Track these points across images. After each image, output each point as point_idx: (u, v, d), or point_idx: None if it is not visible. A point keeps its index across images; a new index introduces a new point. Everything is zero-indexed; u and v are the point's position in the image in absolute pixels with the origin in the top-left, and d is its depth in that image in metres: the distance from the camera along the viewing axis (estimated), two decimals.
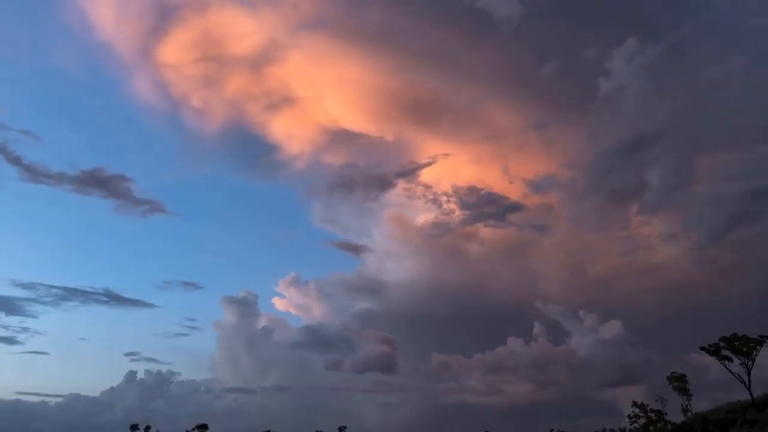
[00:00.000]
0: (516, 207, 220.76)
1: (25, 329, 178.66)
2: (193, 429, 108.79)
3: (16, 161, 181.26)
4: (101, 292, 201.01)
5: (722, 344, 64.57)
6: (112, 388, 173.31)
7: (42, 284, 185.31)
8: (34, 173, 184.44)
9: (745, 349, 62.70)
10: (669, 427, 78.82)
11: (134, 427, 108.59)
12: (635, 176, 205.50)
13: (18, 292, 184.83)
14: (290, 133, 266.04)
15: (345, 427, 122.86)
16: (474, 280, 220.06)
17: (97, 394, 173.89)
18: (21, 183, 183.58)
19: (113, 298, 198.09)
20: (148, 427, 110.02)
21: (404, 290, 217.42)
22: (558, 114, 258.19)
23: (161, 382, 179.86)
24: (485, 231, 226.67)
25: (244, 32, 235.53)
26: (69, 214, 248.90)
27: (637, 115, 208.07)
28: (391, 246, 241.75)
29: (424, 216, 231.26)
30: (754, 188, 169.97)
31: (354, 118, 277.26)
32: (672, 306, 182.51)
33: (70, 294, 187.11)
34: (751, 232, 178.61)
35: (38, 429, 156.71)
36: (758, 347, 62.33)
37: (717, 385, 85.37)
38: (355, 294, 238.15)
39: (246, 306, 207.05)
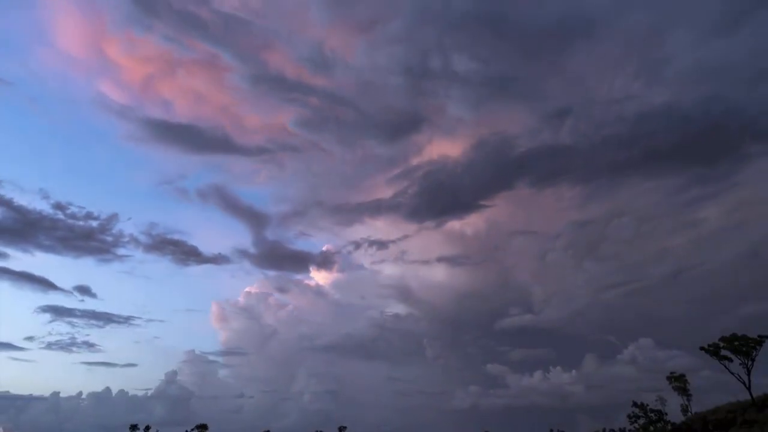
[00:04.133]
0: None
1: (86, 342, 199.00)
2: (193, 429, 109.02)
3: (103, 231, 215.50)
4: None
5: (722, 344, 64.45)
6: (148, 390, 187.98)
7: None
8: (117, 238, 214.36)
9: (744, 349, 62.60)
10: (669, 427, 78.71)
11: (134, 427, 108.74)
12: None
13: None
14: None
15: (345, 427, 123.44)
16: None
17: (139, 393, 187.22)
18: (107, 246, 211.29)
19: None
20: (147, 427, 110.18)
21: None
22: None
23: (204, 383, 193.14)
24: None
25: None
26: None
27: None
28: None
29: None
30: None
31: None
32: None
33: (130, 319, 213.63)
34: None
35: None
36: (758, 347, 62.22)
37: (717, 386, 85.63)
38: None
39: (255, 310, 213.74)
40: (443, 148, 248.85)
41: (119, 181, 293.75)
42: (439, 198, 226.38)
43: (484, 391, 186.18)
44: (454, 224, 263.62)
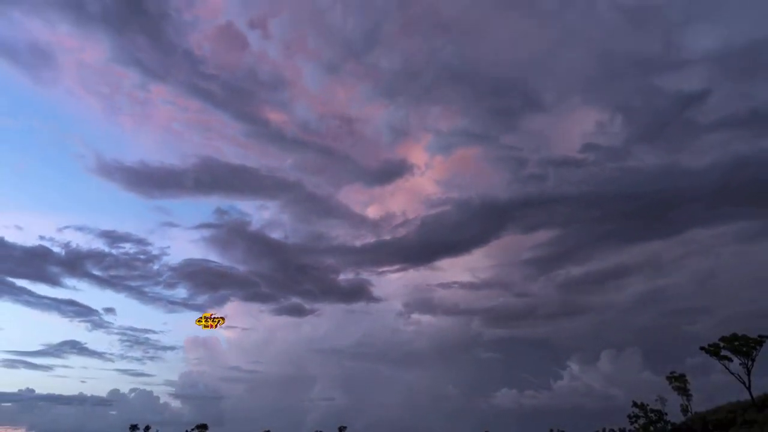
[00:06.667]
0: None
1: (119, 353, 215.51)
2: (193, 429, 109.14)
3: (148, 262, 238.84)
4: None
5: (722, 344, 64.41)
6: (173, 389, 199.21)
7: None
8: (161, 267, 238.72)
9: (745, 349, 62.55)
10: (669, 427, 78.65)
11: (134, 427, 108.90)
12: None
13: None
14: None
15: (345, 427, 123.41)
16: None
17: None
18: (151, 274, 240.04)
19: None
20: (147, 427, 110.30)
21: None
22: None
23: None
24: None
25: None
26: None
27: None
28: None
29: None
30: None
31: None
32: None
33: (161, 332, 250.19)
34: None
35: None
36: (758, 347, 62.16)
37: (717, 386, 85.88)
38: None
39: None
40: (430, 194, 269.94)
41: (170, 222, 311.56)
42: (432, 243, 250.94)
43: (483, 394, 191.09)
44: (447, 261, 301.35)
